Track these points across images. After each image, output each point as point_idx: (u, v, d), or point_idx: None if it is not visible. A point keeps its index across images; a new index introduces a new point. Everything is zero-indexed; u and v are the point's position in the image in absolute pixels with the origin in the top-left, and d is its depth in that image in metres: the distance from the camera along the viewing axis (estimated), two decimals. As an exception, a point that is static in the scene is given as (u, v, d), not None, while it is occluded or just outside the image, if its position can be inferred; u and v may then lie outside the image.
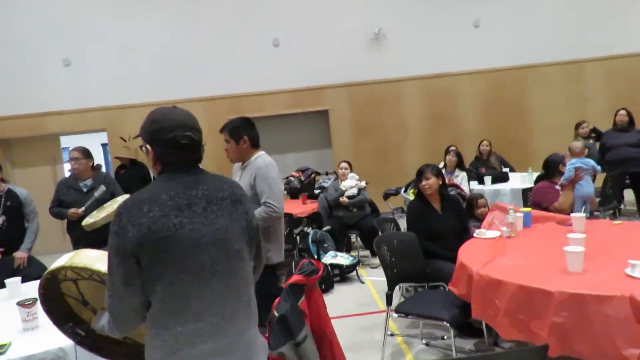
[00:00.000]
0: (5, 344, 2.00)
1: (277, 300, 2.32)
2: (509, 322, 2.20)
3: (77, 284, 1.56)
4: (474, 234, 3.17)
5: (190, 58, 7.90)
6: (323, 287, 4.51)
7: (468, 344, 3.16)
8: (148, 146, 1.43)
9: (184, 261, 1.33)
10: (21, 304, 2.15)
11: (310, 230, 5.37)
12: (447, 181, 5.23)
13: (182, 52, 7.88)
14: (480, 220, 3.59)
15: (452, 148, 6.27)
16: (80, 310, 1.69)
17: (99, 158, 9.17)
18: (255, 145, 2.86)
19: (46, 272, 1.51)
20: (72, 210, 3.78)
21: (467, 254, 2.75)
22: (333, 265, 4.80)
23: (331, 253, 5.02)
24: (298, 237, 5.77)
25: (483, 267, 2.44)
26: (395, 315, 2.86)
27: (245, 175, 2.82)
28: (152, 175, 3.99)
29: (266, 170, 2.75)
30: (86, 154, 4.23)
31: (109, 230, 1.32)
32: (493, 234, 3.09)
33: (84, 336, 1.65)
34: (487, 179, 5.53)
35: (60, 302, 1.61)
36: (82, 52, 7.81)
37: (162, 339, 1.34)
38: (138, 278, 1.32)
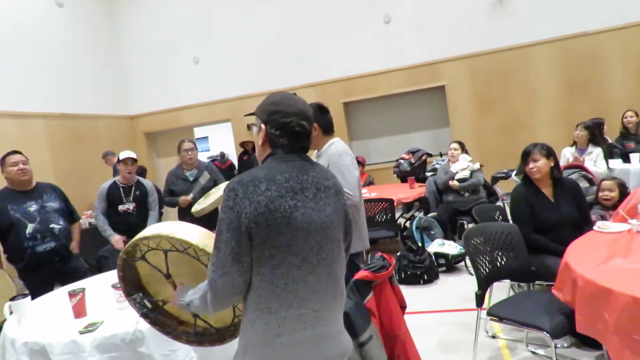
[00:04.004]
0: (98, 322, 2.23)
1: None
2: (620, 342, 1.75)
3: (167, 255, 1.58)
4: (595, 227, 2.62)
5: (302, 45, 8.02)
6: (425, 277, 4.24)
7: (584, 357, 2.66)
8: (262, 125, 1.45)
9: (294, 244, 1.33)
10: (115, 286, 2.38)
11: (420, 214, 5.09)
12: (577, 160, 4.50)
13: (294, 40, 8.05)
14: (604, 207, 2.97)
15: (601, 121, 5.38)
16: (148, 283, 1.75)
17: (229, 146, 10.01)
18: (327, 131, 2.74)
19: (137, 237, 1.58)
20: (182, 197, 4.15)
21: (577, 252, 2.28)
22: (438, 254, 4.47)
23: (438, 241, 4.69)
24: (405, 223, 5.53)
25: (592, 270, 2.00)
26: (487, 318, 2.52)
27: (320, 163, 2.72)
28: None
29: (339, 158, 2.62)
30: (196, 145, 4.60)
31: (221, 206, 1.33)
32: (619, 227, 2.52)
33: (150, 309, 1.70)
34: (635, 157, 4.57)
35: (134, 271, 1.69)
36: (208, 50, 8.48)
37: (265, 323, 1.34)
38: (247, 255, 1.31)
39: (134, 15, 8.78)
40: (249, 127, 1.53)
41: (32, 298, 3.25)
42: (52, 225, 3.40)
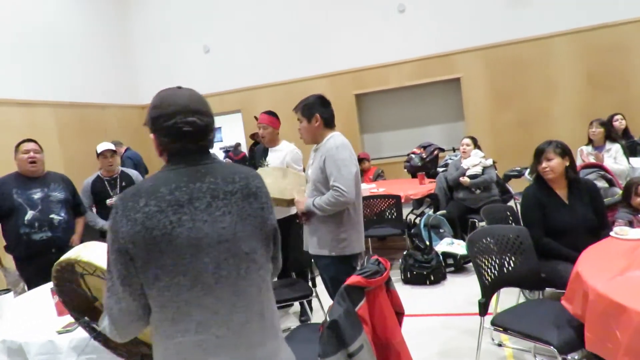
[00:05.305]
0: (78, 322, 2.14)
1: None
2: (633, 366, 1.58)
3: (84, 278, 1.52)
4: (612, 233, 2.43)
5: (314, 34, 7.84)
6: (432, 277, 4.07)
7: (597, 372, 2.47)
8: (151, 135, 1.28)
9: (181, 264, 1.17)
10: None
11: (430, 212, 4.92)
12: (598, 158, 4.25)
13: (305, 30, 7.87)
14: (635, 211, 2.77)
15: (618, 116, 5.11)
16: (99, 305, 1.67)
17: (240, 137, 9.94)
18: (328, 124, 2.61)
19: (55, 263, 1.50)
20: None
21: (590, 261, 2.10)
22: (446, 254, 4.30)
23: (447, 240, 4.51)
24: (414, 220, 5.36)
25: (605, 283, 1.82)
26: (491, 328, 2.36)
27: (317, 157, 2.59)
28: None
29: (336, 151, 2.47)
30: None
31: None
32: (639, 233, 2.32)
33: (99, 332, 1.59)
34: (659, 155, 4.31)
35: (76, 294, 1.61)
36: (218, 39, 8.35)
37: (165, 348, 1.21)
38: (136, 278, 1.18)
39: (145, 3, 8.70)
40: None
41: (29, 288, 3.23)
42: (52, 216, 3.35)
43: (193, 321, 1.18)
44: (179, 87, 1.32)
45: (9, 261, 3.46)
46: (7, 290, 2.37)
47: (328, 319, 1.99)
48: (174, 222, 1.16)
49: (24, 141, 3.39)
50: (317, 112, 2.58)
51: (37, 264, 3.25)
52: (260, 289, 1.29)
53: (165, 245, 1.15)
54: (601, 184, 3.34)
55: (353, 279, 2.06)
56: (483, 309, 2.37)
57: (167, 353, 1.20)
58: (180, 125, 1.23)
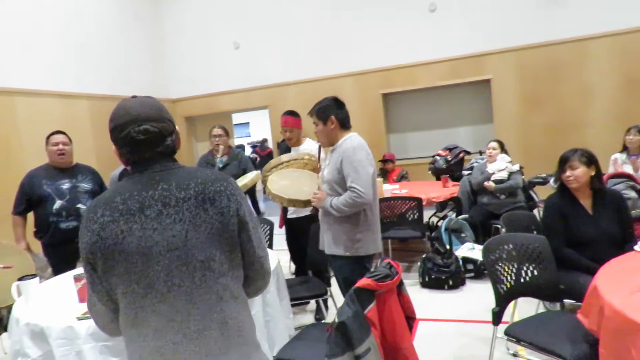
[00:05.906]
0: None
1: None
2: (647, 386, 1.53)
3: None
4: (636, 247, 2.34)
5: (343, 32, 7.82)
6: (450, 282, 4.02)
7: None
8: (114, 147, 1.32)
9: (133, 272, 1.20)
10: (76, 277, 2.38)
11: (452, 215, 4.86)
12: (635, 166, 4.10)
13: (335, 27, 7.86)
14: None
15: None
16: None
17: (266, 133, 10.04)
18: (344, 126, 2.62)
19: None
20: None
21: (608, 275, 2.03)
22: (466, 259, 4.23)
23: (468, 245, 4.44)
24: (437, 223, 5.31)
25: (622, 299, 1.76)
26: (504, 338, 2.32)
27: (333, 159, 2.60)
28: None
29: (353, 152, 2.48)
30: (227, 132, 4.57)
31: None
32: (664, 248, 2.23)
33: None
34: (697, 166, 4.11)
35: None
36: (248, 36, 8.45)
37: (130, 350, 1.27)
38: (100, 284, 1.25)
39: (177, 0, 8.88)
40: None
41: (55, 274, 3.38)
42: (79, 205, 3.50)
43: (150, 327, 1.22)
44: (134, 97, 1.34)
45: (38, 247, 3.62)
46: (33, 276, 2.48)
47: (336, 320, 2.00)
48: (124, 232, 1.19)
49: (53, 133, 3.54)
50: (332, 114, 2.59)
51: (62, 251, 3.39)
52: (221, 297, 1.26)
53: (118, 255, 1.19)
54: (630, 194, 3.22)
55: (363, 282, 2.06)
56: (497, 318, 2.34)
57: (133, 357, 1.26)
58: (134, 135, 1.25)
